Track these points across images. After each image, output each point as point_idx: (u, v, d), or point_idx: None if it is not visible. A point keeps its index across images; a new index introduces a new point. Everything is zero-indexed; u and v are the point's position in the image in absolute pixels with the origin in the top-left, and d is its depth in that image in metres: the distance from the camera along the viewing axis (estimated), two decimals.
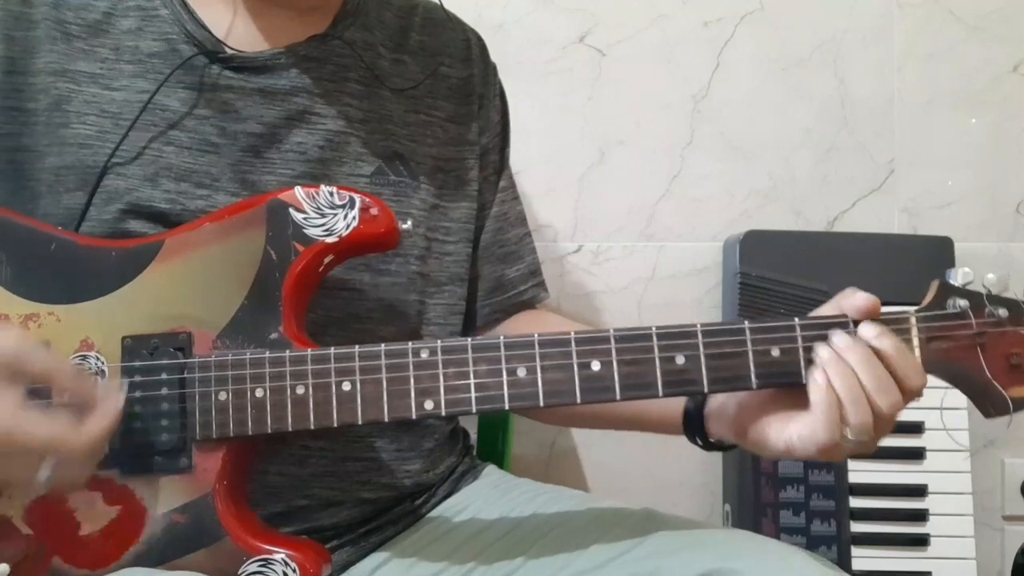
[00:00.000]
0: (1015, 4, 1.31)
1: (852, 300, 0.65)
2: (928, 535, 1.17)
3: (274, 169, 0.78)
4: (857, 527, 1.17)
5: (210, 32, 0.78)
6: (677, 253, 1.34)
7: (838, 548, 1.16)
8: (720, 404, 0.72)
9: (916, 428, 1.19)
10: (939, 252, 1.22)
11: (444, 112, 0.89)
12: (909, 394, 0.64)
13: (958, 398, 1.13)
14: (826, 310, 0.67)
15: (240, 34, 0.79)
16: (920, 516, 1.18)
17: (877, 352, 0.63)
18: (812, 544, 1.16)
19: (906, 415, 1.16)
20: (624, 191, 1.33)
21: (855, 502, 1.18)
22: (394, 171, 0.83)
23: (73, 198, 0.74)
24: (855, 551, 1.17)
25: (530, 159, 1.30)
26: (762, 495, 1.18)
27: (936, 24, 1.32)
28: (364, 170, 0.82)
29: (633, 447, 1.32)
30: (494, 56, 0.97)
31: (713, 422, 0.73)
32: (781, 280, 1.18)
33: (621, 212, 1.34)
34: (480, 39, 0.96)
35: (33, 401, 0.59)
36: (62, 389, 0.61)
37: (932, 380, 1.17)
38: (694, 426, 0.74)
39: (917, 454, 1.19)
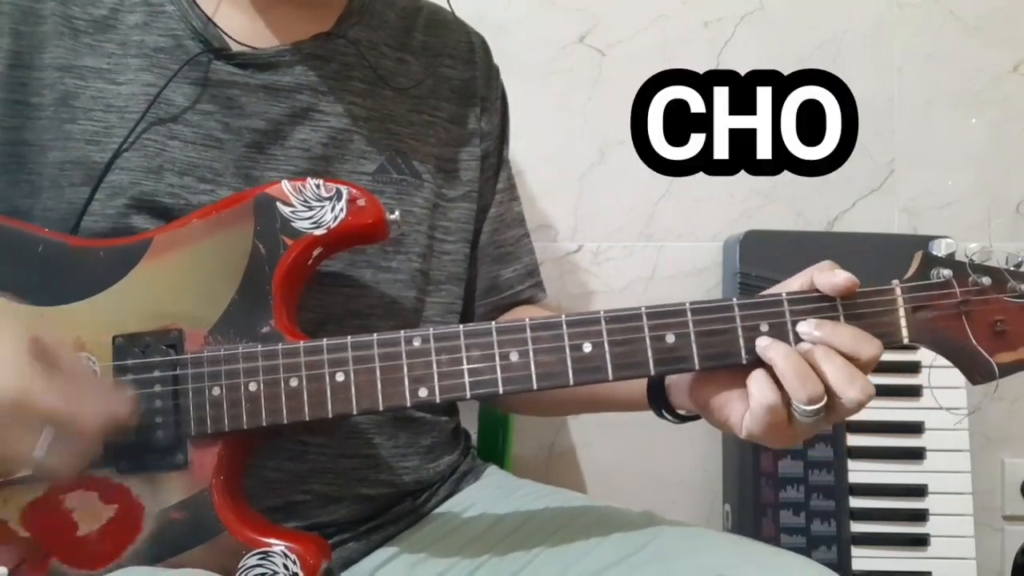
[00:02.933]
0: (1015, 4, 1.31)
1: (831, 279, 0.64)
2: (928, 535, 1.17)
3: (277, 165, 0.78)
4: (857, 527, 1.17)
5: (216, 28, 0.78)
6: (677, 253, 1.33)
7: (838, 548, 1.16)
8: (679, 376, 0.72)
9: (916, 428, 1.19)
10: None
11: (446, 113, 0.89)
12: (869, 364, 0.63)
13: (958, 397, 1.15)
14: (795, 283, 0.67)
15: (245, 31, 0.79)
16: (920, 516, 1.17)
17: (821, 342, 0.63)
18: (812, 544, 1.16)
19: (906, 415, 1.19)
20: (624, 191, 1.33)
21: (855, 502, 1.17)
22: (396, 169, 0.83)
23: (77, 193, 0.74)
24: (855, 551, 1.17)
25: (530, 159, 1.30)
26: (762, 495, 1.17)
27: (936, 24, 1.32)
28: (367, 168, 0.82)
29: (633, 447, 1.32)
30: (495, 56, 0.97)
31: (675, 393, 0.73)
32: (781, 280, 1.18)
33: (621, 212, 1.33)
34: (484, 42, 0.96)
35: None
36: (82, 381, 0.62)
37: (931, 380, 1.18)
38: (658, 399, 0.74)
39: (917, 454, 1.19)
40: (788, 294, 0.66)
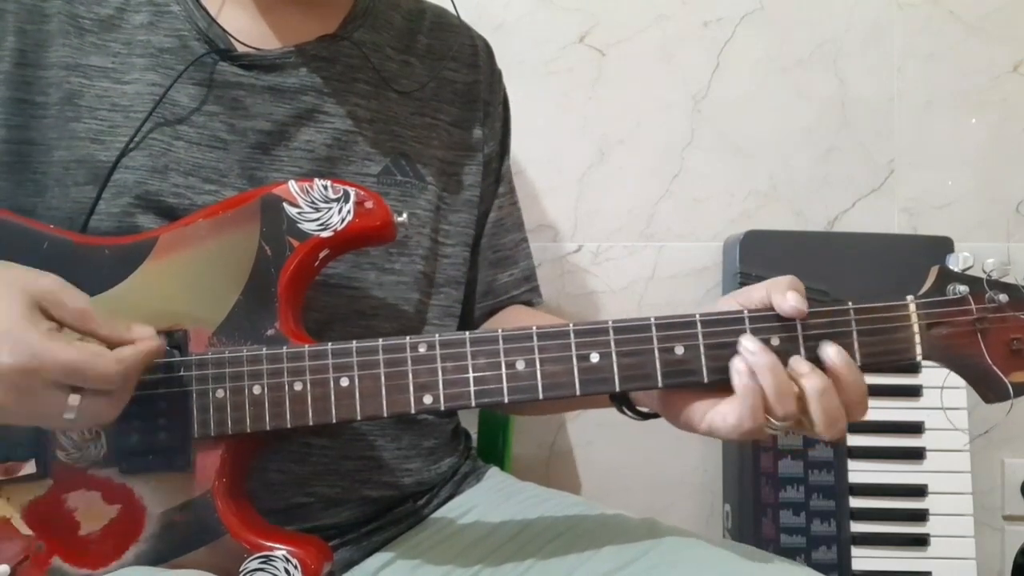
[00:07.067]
0: (1015, 4, 1.31)
1: (781, 302, 0.63)
2: (928, 535, 1.17)
3: (282, 167, 0.78)
4: (857, 527, 1.17)
5: (221, 29, 0.78)
6: (677, 253, 1.34)
7: (838, 548, 1.16)
8: None
9: (916, 428, 1.19)
10: (939, 252, 1.21)
11: (449, 116, 0.89)
12: (854, 409, 0.63)
13: (959, 397, 1.15)
14: (756, 293, 0.65)
15: (250, 32, 0.79)
16: (920, 516, 1.18)
17: (834, 370, 0.62)
18: (812, 544, 1.16)
19: (906, 415, 1.19)
20: (624, 191, 1.33)
21: (855, 502, 1.17)
22: (400, 171, 0.83)
23: (82, 192, 0.74)
24: (855, 551, 1.17)
25: (530, 159, 1.30)
26: (762, 495, 1.17)
27: (936, 24, 1.32)
28: (371, 169, 0.82)
29: (634, 447, 1.32)
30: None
31: (639, 394, 0.71)
32: None
33: (621, 212, 1.33)
34: (488, 46, 0.96)
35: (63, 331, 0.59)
36: (95, 329, 0.60)
37: (931, 380, 1.18)
38: (620, 398, 0.73)
39: (917, 454, 1.19)
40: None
